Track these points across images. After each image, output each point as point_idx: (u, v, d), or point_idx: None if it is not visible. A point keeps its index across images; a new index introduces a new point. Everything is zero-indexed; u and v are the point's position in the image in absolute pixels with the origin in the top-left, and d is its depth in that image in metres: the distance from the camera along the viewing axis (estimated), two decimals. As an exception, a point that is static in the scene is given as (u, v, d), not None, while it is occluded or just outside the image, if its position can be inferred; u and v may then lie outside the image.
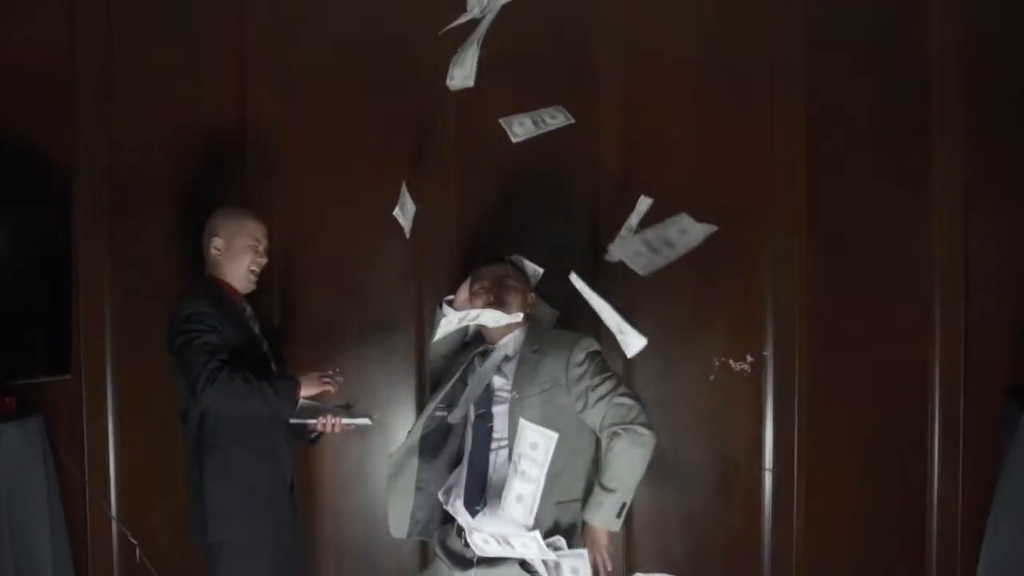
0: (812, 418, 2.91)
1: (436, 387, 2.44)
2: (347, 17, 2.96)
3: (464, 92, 2.91)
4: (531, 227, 2.91)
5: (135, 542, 2.67)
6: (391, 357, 2.95)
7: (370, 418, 2.45)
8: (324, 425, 2.39)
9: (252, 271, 2.45)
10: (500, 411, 2.26)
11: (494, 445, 2.26)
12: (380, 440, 2.95)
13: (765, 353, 2.92)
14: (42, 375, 2.76)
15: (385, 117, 2.96)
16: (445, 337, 2.47)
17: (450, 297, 2.48)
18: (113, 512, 2.90)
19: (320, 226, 2.93)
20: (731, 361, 2.93)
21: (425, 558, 2.92)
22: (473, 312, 2.19)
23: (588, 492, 2.24)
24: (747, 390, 2.92)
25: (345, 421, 2.40)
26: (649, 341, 2.89)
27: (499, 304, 2.29)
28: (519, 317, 2.25)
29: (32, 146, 2.83)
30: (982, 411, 2.87)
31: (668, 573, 2.70)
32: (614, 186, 2.93)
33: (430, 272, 2.92)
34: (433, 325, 2.51)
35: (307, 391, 2.39)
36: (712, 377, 2.93)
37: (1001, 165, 2.89)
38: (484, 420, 2.28)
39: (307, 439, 2.56)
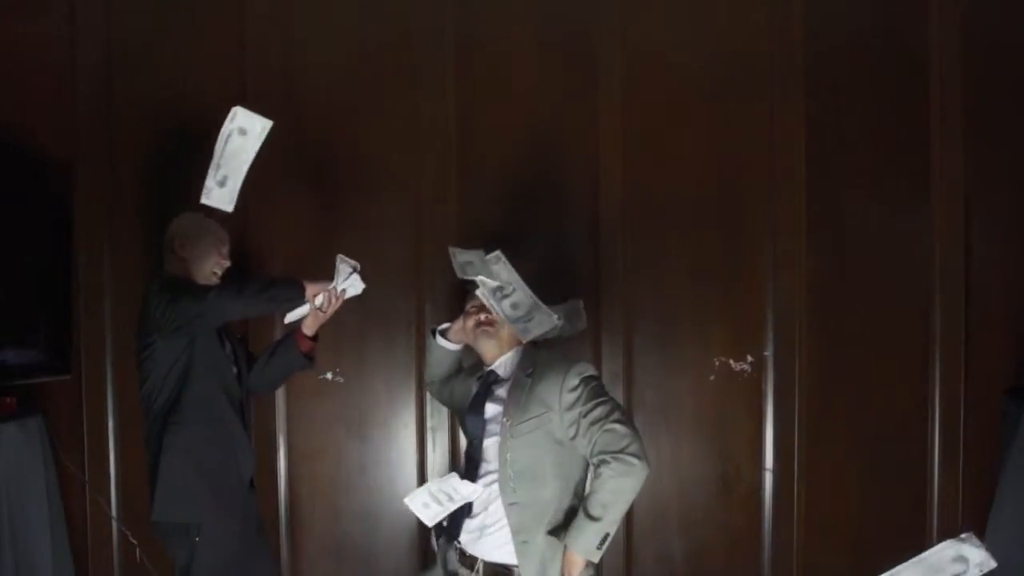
0: (812, 418, 2.91)
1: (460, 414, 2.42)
2: (347, 16, 2.96)
3: (465, 92, 2.95)
4: (531, 227, 2.92)
5: (135, 542, 2.66)
6: (391, 357, 2.95)
7: (356, 271, 2.35)
8: (322, 305, 2.35)
9: (215, 273, 2.45)
10: (491, 443, 2.21)
11: (481, 481, 2.21)
12: (382, 440, 2.96)
13: (765, 353, 2.92)
14: (42, 375, 2.76)
15: (386, 116, 2.96)
16: (440, 361, 2.46)
17: (444, 326, 2.43)
18: (113, 512, 2.90)
19: (320, 225, 2.93)
20: (731, 361, 2.93)
21: (425, 559, 2.93)
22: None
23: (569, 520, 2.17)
24: (747, 390, 2.92)
25: (339, 288, 2.34)
26: (650, 342, 2.93)
27: (489, 324, 2.28)
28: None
29: (32, 146, 2.83)
30: (982, 411, 2.87)
31: (668, 573, 2.72)
32: (614, 186, 2.93)
33: (430, 272, 2.92)
34: (429, 350, 2.47)
35: (312, 288, 2.34)
36: (712, 377, 2.94)
37: (1001, 165, 2.90)
38: (475, 450, 2.25)
39: (303, 361, 2.51)
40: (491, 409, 2.25)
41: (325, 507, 2.96)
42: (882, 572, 2.91)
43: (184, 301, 2.23)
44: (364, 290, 2.38)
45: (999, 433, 2.81)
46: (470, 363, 2.49)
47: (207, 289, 2.29)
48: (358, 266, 2.36)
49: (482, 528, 2.19)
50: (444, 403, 2.58)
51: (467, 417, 2.29)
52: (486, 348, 2.31)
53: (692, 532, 2.93)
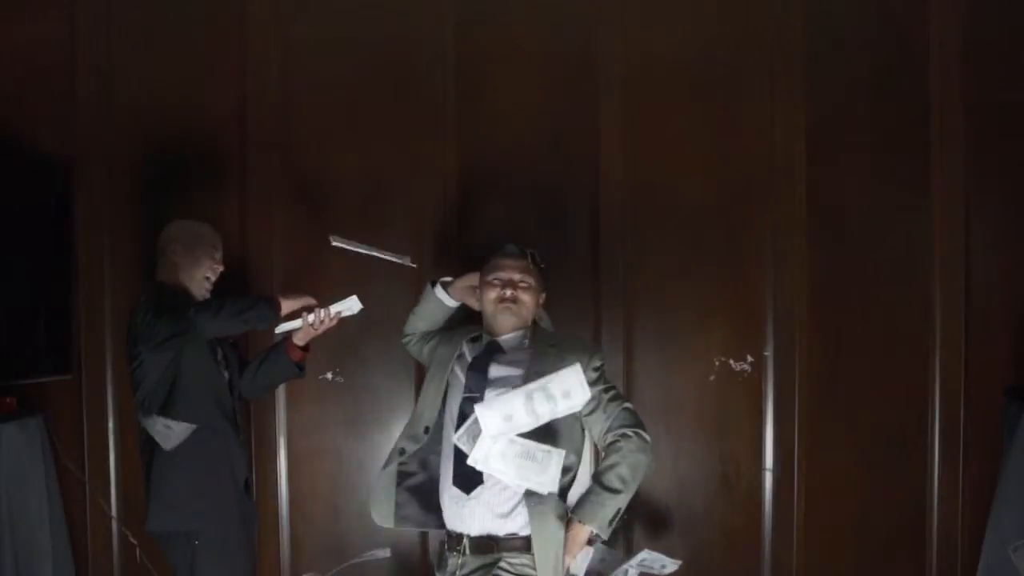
0: (812, 418, 2.91)
1: (430, 376, 2.38)
2: (347, 21, 2.95)
3: (467, 92, 2.94)
4: (531, 226, 2.92)
5: (135, 542, 2.66)
6: (391, 357, 2.95)
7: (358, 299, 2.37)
8: (314, 323, 2.37)
9: (208, 278, 2.47)
10: (492, 397, 2.19)
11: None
12: (382, 439, 2.95)
13: (765, 353, 2.92)
14: (42, 375, 2.76)
15: (386, 119, 2.96)
16: (430, 315, 2.47)
17: (446, 279, 2.45)
18: (113, 512, 2.90)
19: (321, 223, 2.93)
20: (731, 361, 2.93)
21: (425, 559, 2.93)
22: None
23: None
24: (747, 390, 2.92)
25: (334, 309, 2.37)
26: (650, 341, 2.93)
27: (513, 302, 2.27)
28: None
29: (33, 145, 2.83)
30: (982, 411, 2.87)
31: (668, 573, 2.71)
32: (614, 186, 2.93)
33: (430, 272, 2.92)
34: (421, 301, 2.49)
35: (289, 304, 2.36)
36: (712, 377, 2.94)
37: (1001, 165, 2.90)
38: (473, 403, 2.20)
39: (293, 370, 2.53)
40: (496, 370, 2.24)
41: (325, 507, 2.96)
42: (882, 572, 2.93)
43: (164, 320, 2.24)
44: (362, 311, 2.39)
45: (999, 433, 2.81)
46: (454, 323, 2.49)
47: (188, 308, 2.29)
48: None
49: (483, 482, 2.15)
50: (418, 358, 2.55)
51: (469, 374, 2.26)
52: (503, 323, 2.29)
53: (692, 532, 2.93)
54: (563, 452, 2.10)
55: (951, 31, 2.89)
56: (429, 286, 2.47)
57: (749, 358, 2.92)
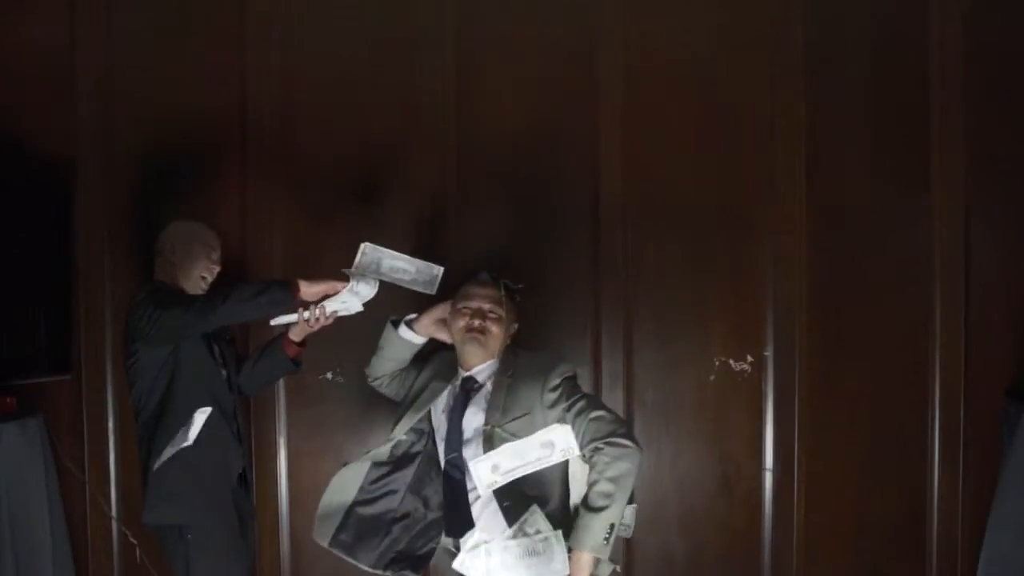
0: (812, 418, 2.91)
1: (408, 407, 2.32)
2: (348, 17, 2.95)
3: (467, 91, 2.94)
4: (531, 229, 2.92)
5: (135, 542, 2.67)
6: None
7: (355, 291, 2.29)
8: (310, 319, 2.34)
9: (203, 277, 2.48)
10: (472, 452, 2.15)
11: (472, 496, 2.16)
12: (381, 439, 2.95)
13: (765, 353, 2.92)
14: (42, 375, 2.76)
15: (386, 117, 2.96)
16: (396, 355, 2.40)
17: (410, 316, 2.38)
18: (113, 512, 2.90)
19: (321, 225, 2.93)
20: (731, 361, 2.93)
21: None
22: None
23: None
24: (747, 390, 2.92)
25: (329, 308, 2.33)
26: (649, 341, 2.93)
27: (481, 333, 2.21)
28: None
29: (32, 146, 2.83)
30: (982, 411, 2.87)
31: (668, 573, 2.71)
32: (614, 186, 2.93)
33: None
34: (384, 344, 2.42)
35: (309, 288, 2.29)
36: (712, 377, 2.94)
37: (1001, 166, 2.89)
38: (456, 465, 2.20)
39: (289, 365, 2.53)
40: (469, 418, 2.20)
41: (325, 507, 2.95)
42: (882, 572, 2.93)
43: (171, 311, 2.24)
44: (359, 311, 2.36)
45: (999, 433, 2.81)
46: (429, 351, 2.44)
47: (193, 298, 2.30)
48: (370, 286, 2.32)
49: (479, 545, 2.12)
50: (393, 396, 2.47)
51: (448, 425, 2.22)
52: (470, 354, 2.24)
53: (692, 532, 2.93)
54: (559, 532, 2.05)
55: (951, 31, 2.89)
56: (390, 326, 2.38)
57: (749, 358, 2.92)
